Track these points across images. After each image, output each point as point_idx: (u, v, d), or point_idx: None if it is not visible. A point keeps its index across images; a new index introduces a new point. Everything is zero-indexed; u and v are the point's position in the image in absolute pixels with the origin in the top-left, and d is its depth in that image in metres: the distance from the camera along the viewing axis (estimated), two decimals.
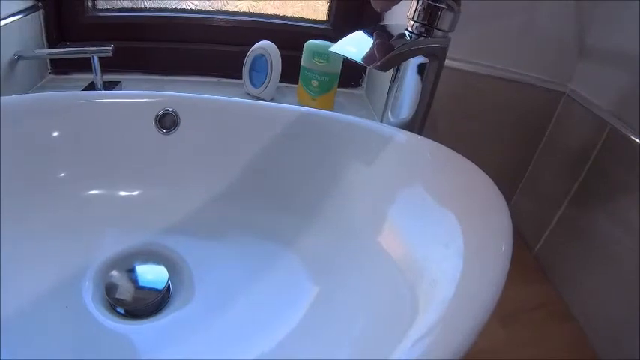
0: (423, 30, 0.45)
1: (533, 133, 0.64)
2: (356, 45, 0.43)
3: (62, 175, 0.50)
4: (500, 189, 0.47)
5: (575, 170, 0.57)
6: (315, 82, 0.67)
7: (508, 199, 0.68)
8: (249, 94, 0.74)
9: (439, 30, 0.45)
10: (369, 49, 0.41)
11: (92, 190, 0.51)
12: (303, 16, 0.81)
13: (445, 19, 0.45)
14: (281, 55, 0.72)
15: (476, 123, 0.63)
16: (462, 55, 0.58)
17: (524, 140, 0.65)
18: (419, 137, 0.48)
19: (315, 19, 0.81)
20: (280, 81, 0.73)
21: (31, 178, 0.48)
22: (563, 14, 0.57)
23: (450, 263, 0.36)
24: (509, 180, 0.68)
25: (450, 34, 0.47)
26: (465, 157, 0.45)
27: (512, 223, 0.36)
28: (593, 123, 0.54)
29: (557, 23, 0.57)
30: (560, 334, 0.51)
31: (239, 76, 0.75)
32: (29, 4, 0.68)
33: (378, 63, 0.39)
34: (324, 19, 0.81)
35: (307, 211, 0.50)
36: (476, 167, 0.43)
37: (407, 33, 0.46)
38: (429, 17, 0.45)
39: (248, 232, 0.52)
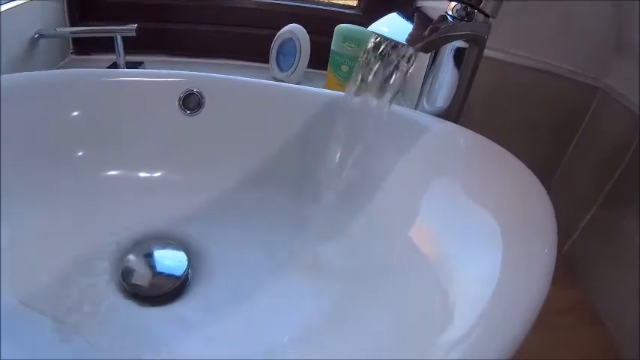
0: (464, 13, 0.43)
1: (566, 128, 0.61)
2: (393, 26, 0.41)
3: (80, 154, 0.49)
4: None
5: (608, 169, 0.54)
6: (345, 68, 0.64)
7: None
8: (275, 78, 0.72)
9: (482, 13, 0.43)
10: (408, 30, 0.39)
11: (111, 170, 0.50)
12: (333, 1, 0.78)
13: (489, 2, 0.43)
14: (310, 39, 0.69)
15: (508, 115, 0.60)
16: (498, 44, 0.55)
17: (557, 135, 0.62)
18: (456, 126, 0.46)
19: (345, 4, 0.79)
20: (309, 66, 0.70)
21: (48, 156, 0.47)
22: (602, 6, 0.54)
23: (487, 264, 0.34)
24: (540, 176, 0.65)
25: (491, 20, 0.44)
26: None
27: None
28: (629, 121, 0.51)
29: (595, 15, 0.54)
30: (588, 340, 0.49)
31: (265, 60, 0.73)
32: None
33: (422, 44, 0.36)
34: (354, 4, 0.79)
35: (336, 200, 0.48)
36: (517, 160, 0.41)
37: (447, 15, 0.43)
38: None
39: (273, 220, 0.50)
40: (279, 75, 0.70)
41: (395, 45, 0.39)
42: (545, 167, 0.65)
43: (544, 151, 0.63)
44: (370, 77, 0.43)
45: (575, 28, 0.55)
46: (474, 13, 0.43)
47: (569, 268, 0.58)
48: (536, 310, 0.28)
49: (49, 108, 0.47)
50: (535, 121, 0.61)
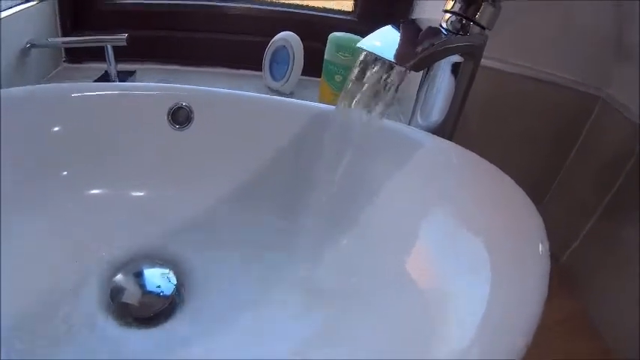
0: (459, 26, 0.42)
1: (566, 137, 0.60)
2: (385, 41, 0.39)
3: (65, 173, 0.47)
4: (529, 194, 0.44)
5: (609, 179, 0.53)
6: (338, 77, 0.63)
7: (537, 205, 0.65)
8: (268, 87, 0.70)
9: (477, 25, 0.41)
10: (399, 47, 0.38)
11: (98, 188, 0.49)
12: (328, 7, 0.77)
13: (485, 14, 0.41)
14: (303, 47, 0.68)
15: (507, 125, 0.59)
16: (495, 54, 0.54)
17: (557, 145, 0.61)
18: (448, 143, 0.45)
19: (340, 10, 0.77)
20: (303, 73, 0.69)
21: (31, 177, 0.45)
22: (602, 13, 0.52)
23: (478, 292, 0.33)
24: (538, 185, 0.64)
25: (487, 32, 0.43)
26: (496, 161, 0.42)
27: None
28: (630, 131, 0.50)
29: (596, 22, 0.53)
30: (585, 352, 0.49)
31: (259, 68, 0.72)
32: None
33: (410, 63, 0.35)
34: (350, 10, 0.77)
35: (325, 219, 0.46)
36: (509, 179, 0.40)
37: (441, 29, 0.42)
38: (467, 10, 0.41)
39: (263, 237, 0.49)
40: (273, 84, 0.69)
41: (385, 62, 0.38)
42: (545, 177, 0.64)
43: (543, 160, 0.63)
44: (362, 92, 0.42)
45: (575, 36, 0.54)
46: (469, 25, 0.41)
47: (568, 277, 0.57)
48: (529, 333, 0.27)
49: (30, 126, 0.46)
50: (534, 130, 0.60)
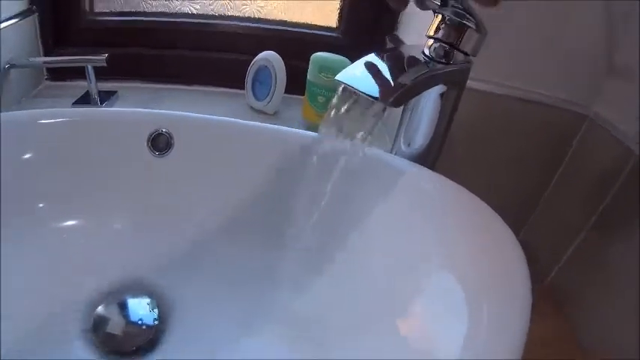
0: (442, 53, 0.41)
1: (552, 157, 0.60)
2: (365, 73, 0.38)
3: (41, 205, 0.46)
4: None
5: (596, 199, 0.53)
6: (321, 98, 0.62)
7: (522, 224, 0.65)
8: (252, 107, 0.70)
9: (461, 52, 0.40)
10: (379, 79, 0.37)
11: (76, 220, 0.48)
12: (313, 23, 0.76)
13: (470, 41, 0.40)
14: (288, 64, 0.67)
15: (493, 146, 0.59)
16: (481, 75, 0.53)
17: (543, 164, 0.61)
18: (430, 173, 0.44)
19: (324, 26, 0.76)
20: (287, 92, 0.68)
21: (6, 211, 0.44)
22: (590, 30, 0.52)
23: (457, 330, 0.32)
24: (524, 205, 0.64)
25: (472, 59, 0.42)
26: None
27: (525, 249, 0.35)
28: (618, 150, 0.50)
29: (583, 40, 0.53)
30: None
31: (243, 86, 0.71)
32: (22, 8, 0.65)
33: (390, 99, 0.34)
34: (335, 25, 0.76)
35: (309, 248, 0.46)
36: (492, 212, 0.40)
37: (423, 58, 0.41)
38: (451, 36, 0.40)
39: (246, 268, 0.48)
40: (256, 104, 0.68)
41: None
42: (531, 196, 0.64)
43: (530, 180, 0.62)
44: (343, 121, 0.41)
45: (562, 54, 0.53)
46: (453, 52, 0.40)
47: (554, 297, 0.57)
48: None
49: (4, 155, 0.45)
50: (521, 151, 0.59)
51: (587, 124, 0.56)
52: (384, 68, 0.39)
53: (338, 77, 0.37)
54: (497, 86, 0.55)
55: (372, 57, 0.40)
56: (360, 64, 0.39)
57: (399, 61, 0.40)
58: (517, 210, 0.65)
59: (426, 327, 0.37)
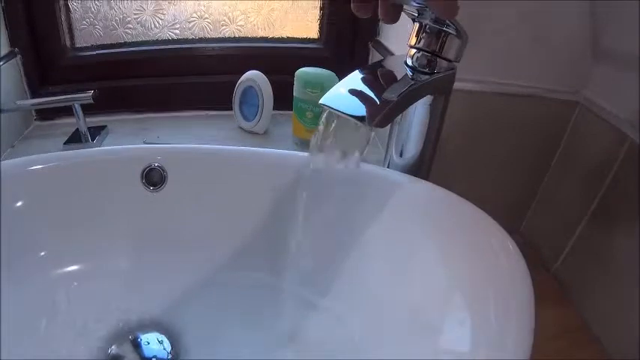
0: (425, 62, 0.40)
1: (546, 147, 0.60)
2: (350, 93, 0.38)
3: (43, 253, 0.47)
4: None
5: (593, 186, 0.52)
6: (309, 114, 0.62)
7: (521, 217, 0.65)
8: (242, 127, 0.70)
9: (444, 59, 0.40)
10: (363, 100, 0.37)
11: (77, 264, 0.48)
12: (294, 36, 0.76)
13: (452, 47, 0.40)
14: (273, 81, 0.67)
15: (487, 143, 0.59)
16: (468, 75, 0.53)
17: (538, 156, 0.61)
18: (426, 184, 0.44)
19: (306, 38, 0.76)
20: (275, 107, 0.68)
21: (7, 262, 0.44)
22: (574, 17, 0.52)
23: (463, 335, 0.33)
24: (521, 199, 0.64)
25: (456, 64, 0.42)
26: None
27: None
28: (612, 135, 0.50)
29: (568, 27, 0.52)
30: None
31: (230, 107, 0.71)
32: (5, 51, 0.65)
33: (375, 121, 0.34)
34: (316, 36, 0.76)
35: (311, 270, 0.46)
36: (488, 217, 0.39)
37: (406, 69, 0.41)
38: (432, 44, 0.40)
39: (248, 295, 0.49)
40: (245, 125, 0.68)
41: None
42: (529, 189, 0.63)
43: (526, 173, 0.62)
44: (333, 142, 0.41)
45: (548, 43, 0.53)
46: (436, 60, 0.40)
47: (560, 286, 0.57)
48: None
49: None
50: (514, 146, 0.59)
51: (579, 110, 0.56)
52: (368, 86, 0.38)
53: (322, 101, 0.37)
54: (480, 84, 0.55)
55: (355, 75, 0.40)
56: (344, 83, 0.39)
57: (383, 77, 0.40)
58: (516, 204, 0.65)
59: (433, 338, 0.37)
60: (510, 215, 0.66)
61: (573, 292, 0.55)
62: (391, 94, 0.37)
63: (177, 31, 0.73)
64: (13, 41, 0.66)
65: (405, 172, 0.47)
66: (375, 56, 0.73)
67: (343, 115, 0.36)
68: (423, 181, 0.45)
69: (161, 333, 0.47)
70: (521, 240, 0.65)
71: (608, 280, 0.50)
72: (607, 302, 0.50)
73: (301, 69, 0.62)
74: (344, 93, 0.38)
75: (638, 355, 0.45)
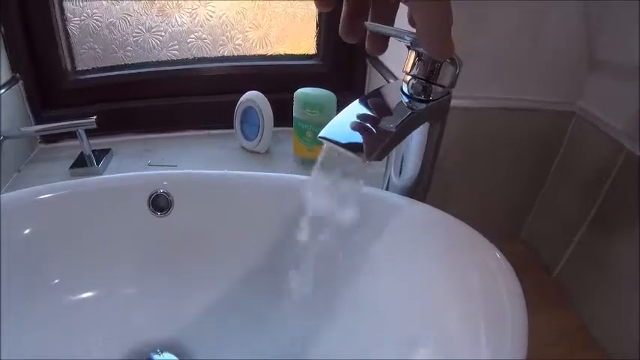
0: (420, 88, 0.41)
1: (544, 157, 0.61)
2: (348, 125, 0.39)
3: (56, 281, 0.48)
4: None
5: (592, 194, 0.54)
6: (309, 134, 0.63)
7: (522, 225, 0.66)
8: (244, 147, 0.71)
9: (439, 86, 0.41)
10: (361, 133, 0.38)
11: (89, 292, 0.49)
12: (292, 52, 0.77)
13: (446, 74, 0.41)
14: (273, 98, 0.68)
15: (484, 156, 0.60)
16: (463, 92, 0.54)
17: (536, 164, 0.62)
18: (425, 207, 0.45)
19: (304, 55, 0.77)
20: (276, 125, 0.69)
21: (18, 293, 0.45)
22: (569, 29, 0.53)
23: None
24: (520, 207, 0.66)
25: (451, 90, 0.43)
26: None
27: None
28: (608, 144, 0.51)
29: (562, 39, 0.53)
30: None
31: (231, 126, 0.72)
32: (6, 77, 0.66)
33: (373, 155, 0.35)
34: (314, 52, 0.78)
35: (313, 291, 0.47)
36: (488, 243, 0.40)
37: (402, 97, 0.42)
38: (427, 72, 0.40)
39: (263, 317, 0.50)
40: (247, 145, 0.69)
41: None
42: (528, 198, 0.64)
43: (525, 183, 0.63)
44: (333, 171, 0.42)
45: (543, 56, 0.54)
46: (431, 87, 0.41)
47: (561, 291, 0.58)
48: None
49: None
50: (512, 157, 0.60)
51: (575, 120, 0.57)
52: (366, 117, 0.39)
53: (322, 134, 0.38)
54: (477, 100, 0.56)
55: (355, 105, 0.41)
56: (343, 115, 0.40)
57: (381, 106, 0.41)
58: (516, 212, 0.66)
59: (429, 350, 0.38)
60: (511, 223, 0.67)
61: (573, 296, 0.56)
62: (389, 125, 0.38)
63: (177, 52, 0.74)
64: (14, 67, 0.67)
65: (404, 193, 0.49)
66: (372, 71, 0.74)
67: (342, 149, 0.37)
68: (421, 204, 0.46)
69: (174, 355, 0.48)
70: (522, 246, 0.66)
71: (607, 284, 0.51)
72: (607, 307, 0.51)
73: (300, 90, 0.63)
74: (342, 125, 0.39)
75: (638, 358, 0.46)
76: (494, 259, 0.38)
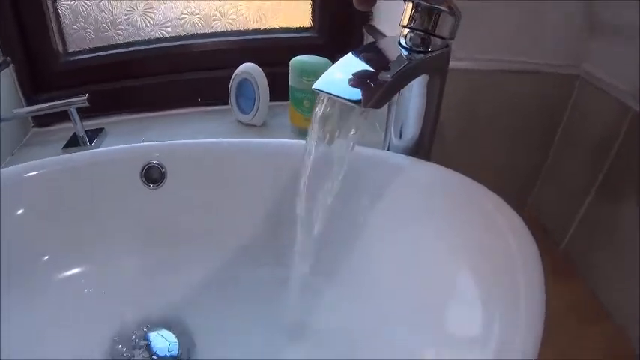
0: (419, 41, 0.40)
1: (549, 122, 0.59)
2: (344, 76, 0.37)
3: (46, 257, 0.46)
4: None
5: (598, 160, 0.52)
6: (306, 102, 0.62)
7: (527, 195, 0.64)
8: (240, 121, 0.69)
9: (438, 37, 0.40)
10: (357, 82, 0.36)
11: (81, 266, 0.48)
12: (287, 26, 0.75)
13: (445, 25, 0.39)
14: (269, 72, 0.67)
15: (487, 122, 0.58)
16: (464, 54, 0.52)
17: (541, 131, 0.60)
18: (431, 166, 0.44)
19: (299, 28, 0.76)
20: (272, 99, 0.68)
21: (12, 269, 0.44)
22: None
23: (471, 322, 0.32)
24: (526, 175, 0.64)
25: (451, 42, 0.41)
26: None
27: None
28: (613, 107, 0.49)
29: (561, 3, 0.51)
30: (598, 335, 0.48)
31: (227, 102, 0.70)
32: None
33: (370, 102, 0.34)
34: (309, 25, 0.76)
35: (318, 260, 0.45)
36: (496, 197, 0.39)
37: (401, 50, 0.40)
38: (425, 23, 0.39)
39: (257, 290, 0.48)
40: (243, 118, 0.68)
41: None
42: (534, 166, 0.63)
43: (530, 150, 0.62)
44: (330, 126, 0.40)
45: (544, 16, 0.52)
46: (430, 39, 0.39)
47: (569, 261, 0.57)
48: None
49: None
50: (516, 123, 0.59)
51: (580, 83, 0.55)
52: (362, 68, 0.38)
53: (316, 86, 0.36)
54: (479, 62, 0.54)
55: (349, 57, 0.39)
56: (337, 66, 0.39)
57: (377, 58, 0.40)
58: (521, 182, 0.64)
59: (444, 318, 0.36)
60: (516, 193, 0.65)
61: (584, 266, 0.55)
62: (386, 74, 0.36)
63: (169, 29, 0.73)
64: (4, 50, 0.66)
65: (405, 154, 0.47)
66: (369, 41, 0.73)
67: (337, 98, 0.35)
68: (425, 162, 0.44)
69: (170, 329, 0.47)
70: (528, 216, 0.64)
71: (616, 253, 0.50)
72: (616, 275, 0.50)
73: (296, 58, 0.62)
74: (337, 76, 0.37)
75: None
76: (505, 213, 0.37)
